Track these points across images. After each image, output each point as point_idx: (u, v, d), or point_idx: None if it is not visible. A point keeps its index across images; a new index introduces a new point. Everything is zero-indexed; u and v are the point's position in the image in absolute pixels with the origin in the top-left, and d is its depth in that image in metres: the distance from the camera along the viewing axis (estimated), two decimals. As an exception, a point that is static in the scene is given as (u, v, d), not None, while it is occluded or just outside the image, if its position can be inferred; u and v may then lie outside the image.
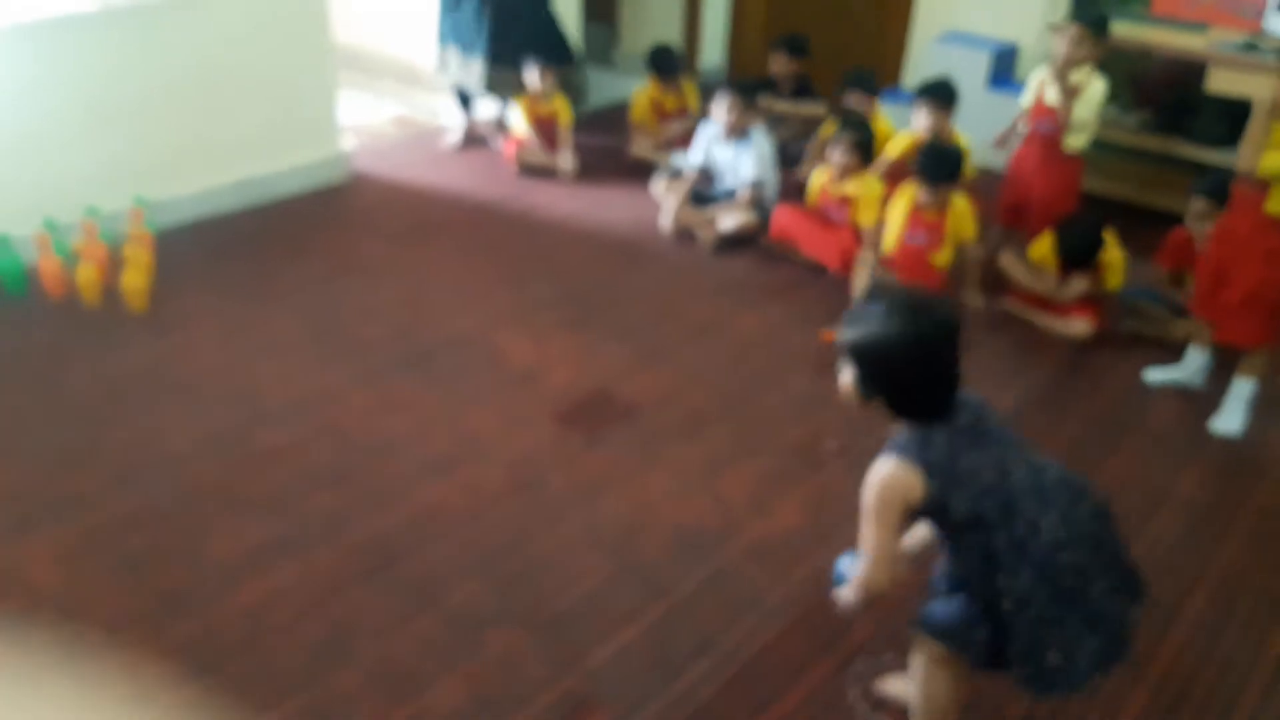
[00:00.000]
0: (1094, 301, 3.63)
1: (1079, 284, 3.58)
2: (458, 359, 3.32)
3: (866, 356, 1.68)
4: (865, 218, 3.96)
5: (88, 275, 3.46)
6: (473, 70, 4.93)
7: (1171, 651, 2.30)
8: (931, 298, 1.73)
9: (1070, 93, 3.73)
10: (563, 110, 4.87)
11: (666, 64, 5.00)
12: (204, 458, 2.79)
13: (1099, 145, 4.78)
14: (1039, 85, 3.85)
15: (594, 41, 6.25)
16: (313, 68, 4.45)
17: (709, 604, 2.37)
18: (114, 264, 3.59)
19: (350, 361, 3.27)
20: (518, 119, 4.87)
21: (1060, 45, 3.76)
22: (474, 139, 5.18)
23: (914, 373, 1.66)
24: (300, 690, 2.09)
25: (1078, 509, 1.67)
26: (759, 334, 3.58)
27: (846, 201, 4.03)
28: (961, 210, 3.73)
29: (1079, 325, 3.55)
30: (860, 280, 3.80)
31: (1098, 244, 3.57)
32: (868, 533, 1.68)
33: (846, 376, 1.72)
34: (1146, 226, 4.17)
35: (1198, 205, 3.40)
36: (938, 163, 3.65)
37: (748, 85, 4.32)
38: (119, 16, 3.73)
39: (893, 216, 3.82)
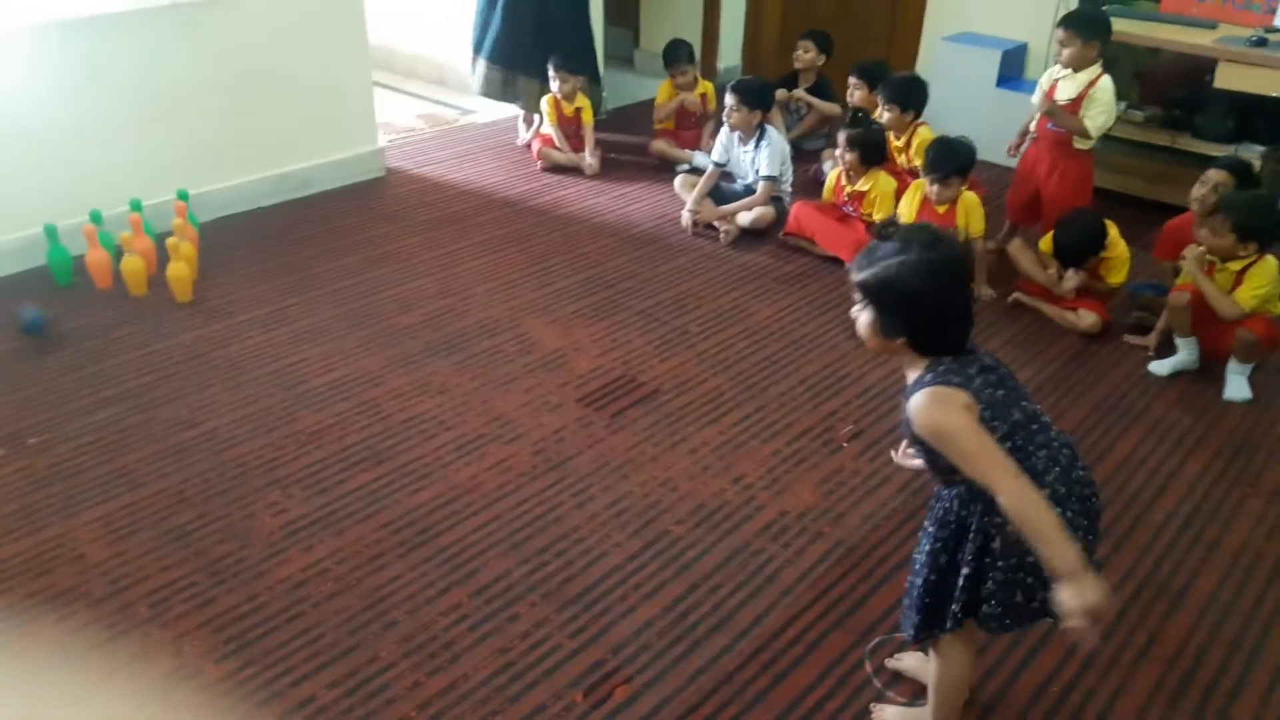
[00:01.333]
0: (1100, 295, 3.68)
1: (1073, 280, 3.65)
2: (488, 345, 3.43)
3: (888, 293, 1.66)
4: (880, 212, 4.05)
5: (134, 266, 3.60)
6: (515, 85, 5.16)
7: (1180, 632, 2.38)
8: (938, 232, 1.72)
9: (1076, 103, 3.77)
10: (586, 110, 4.97)
11: (671, 52, 5.10)
12: (248, 437, 2.91)
13: (1106, 140, 4.82)
14: (1050, 84, 3.90)
15: (615, 44, 6.34)
16: (350, 66, 4.57)
17: (729, 580, 2.47)
18: (159, 255, 3.72)
19: (386, 347, 3.39)
20: (543, 118, 4.99)
21: (1057, 49, 3.82)
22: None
23: (937, 303, 1.65)
24: (340, 660, 2.21)
25: (1079, 471, 1.75)
26: (776, 322, 3.67)
27: (860, 197, 4.11)
28: (970, 204, 3.80)
29: (1088, 319, 3.61)
30: None
31: (1093, 243, 3.60)
32: (967, 450, 1.61)
33: (865, 318, 1.71)
34: (1154, 221, 4.22)
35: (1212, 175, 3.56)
36: (947, 156, 3.72)
37: (758, 85, 4.39)
38: (165, 14, 3.87)
39: (903, 211, 3.90)
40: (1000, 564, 1.73)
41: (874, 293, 1.69)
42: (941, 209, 3.79)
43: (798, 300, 3.85)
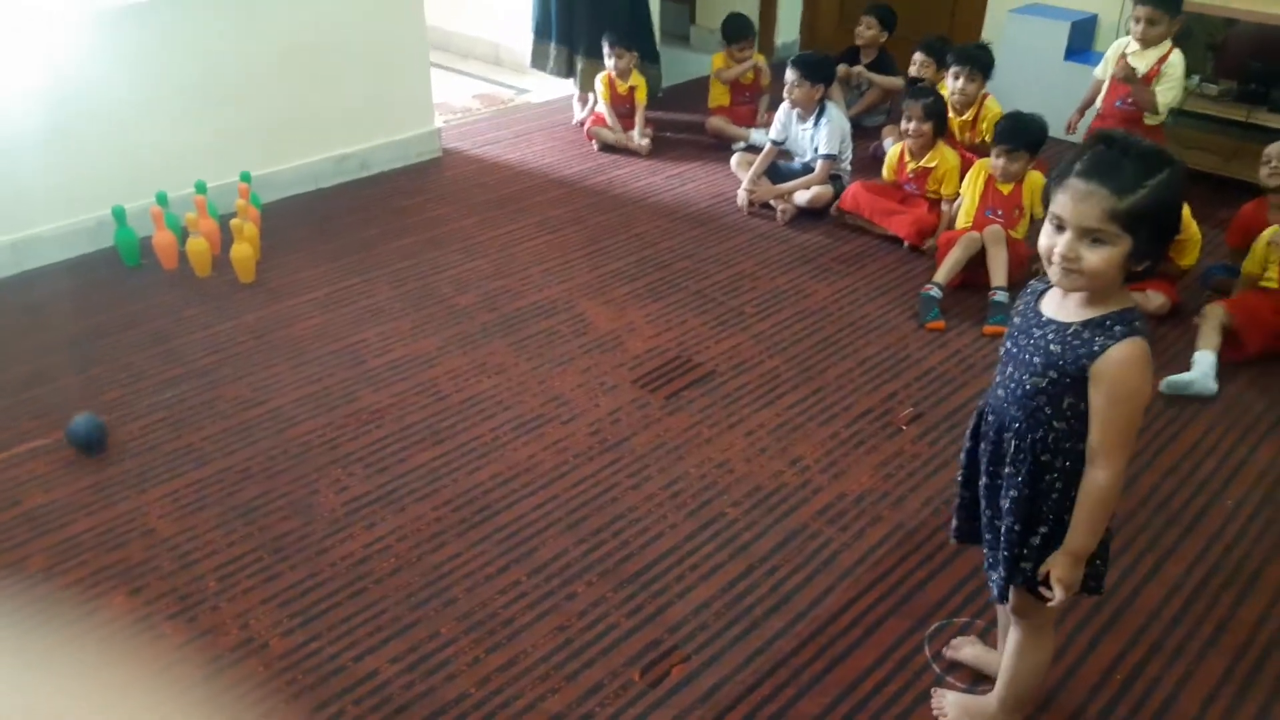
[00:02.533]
0: (1169, 277, 3.58)
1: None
2: (544, 326, 3.45)
3: (1166, 216, 1.50)
4: (948, 189, 3.98)
5: (199, 247, 3.67)
6: (564, 61, 5.18)
7: (1250, 620, 2.32)
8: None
9: (1145, 82, 3.68)
10: (640, 89, 4.94)
11: (734, 27, 5.04)
12: (310, 416, 2.96)
13: (1178, 115, 4.69)
14: (1117, 58, 3.80)
15: (671, 21, 6.30)
16: (409, 46, 4.60)
17: (786, 563, 2.46)
18: (223, 236, 3.79)
19: (445, 328, 3.43)
20: (596, 98, 4.97)
21: (1136, 27, 3.72)
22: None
23: (1180, 221, 1.54)
24: (401, 636, 2.24)
25: None
26: (834, 303, 3.64)
27: (925, 174, 4.04)
28: (1036, 184, 3.71)
29: (1156, 300, 3.51)
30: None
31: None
32: (1128, 421, 1.53)
33: (1106, 253, 1.49)
34: (1227, 199, 4.10)
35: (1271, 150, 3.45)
36: (1018, 130, 3.63)
37: (818, 59, 4.33)
38: (225, -2, 3.93)
39: (965, 191, 3.83)
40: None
41: (1147, 217, 1.47)
42: (1007, 188, 3.71)
43: (856, 281, 3.81)
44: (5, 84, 3.50)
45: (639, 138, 4.91)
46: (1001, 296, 3.55)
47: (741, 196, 4.36)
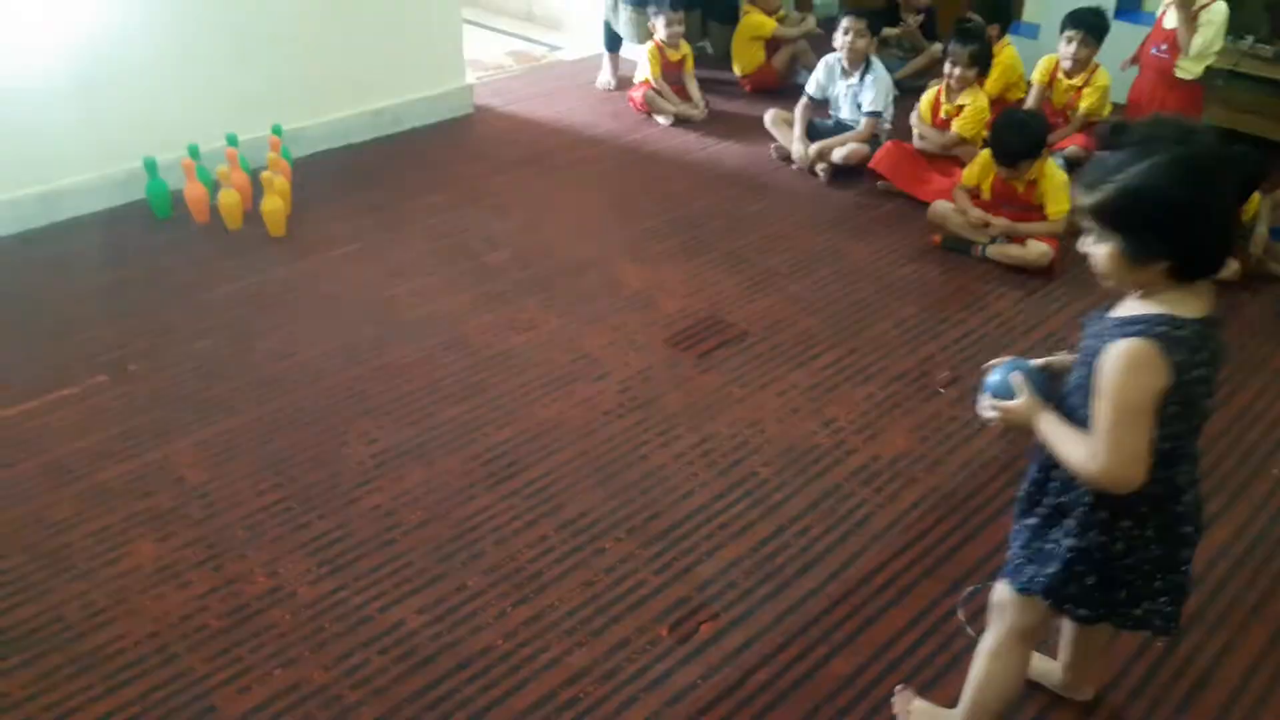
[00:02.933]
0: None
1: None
2: (575, 284, 3.41)
3: (1139, 206, 1.37)
4: (964, 126, 3.89)
5: (230, 201, 3.65)
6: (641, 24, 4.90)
7: (1293, 589, 2.26)
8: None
9: (1191, 19, 3.57)
10: (689, 58, 4.81)
11: None
12: (340, 369, 2.95)
13: (1232, 77, 4.55)
14: (1163, 10, 3.70)
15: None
16: (439, 2, 4.53)
17: (818, 524, 2.41)
18: (254, 190, 3.77)
19: (476, 284, 3.39)
20: (645, 68, 4.77)
21: None
22: (623, 79, 5.11)
23: (1202, 210, 1.36)
24: (429, 587, 2.23)
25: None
26: (869, 264, 3.56)
27: (957, 115, 3.94)
28: (1055, 183, 3.55)
29: (1230, 266, 3.40)
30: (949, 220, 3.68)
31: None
32: (1115, 432, 1.42)
33: (1104, 249, 1.43)
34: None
35: None
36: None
37: (872, 12, 4.24)
38: (257, -50, 3.88)
39: (974, 171, 3.71)
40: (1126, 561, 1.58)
41: (1118, 212, 1.39)
42: (1019, 186, 3.59)
43: (894, 241, 3.73)
44: (37, 34, 3.48)
45: (699, 106, 4.74)
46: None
47: (798, 149, 4.24)
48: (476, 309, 3.26)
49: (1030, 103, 4.30)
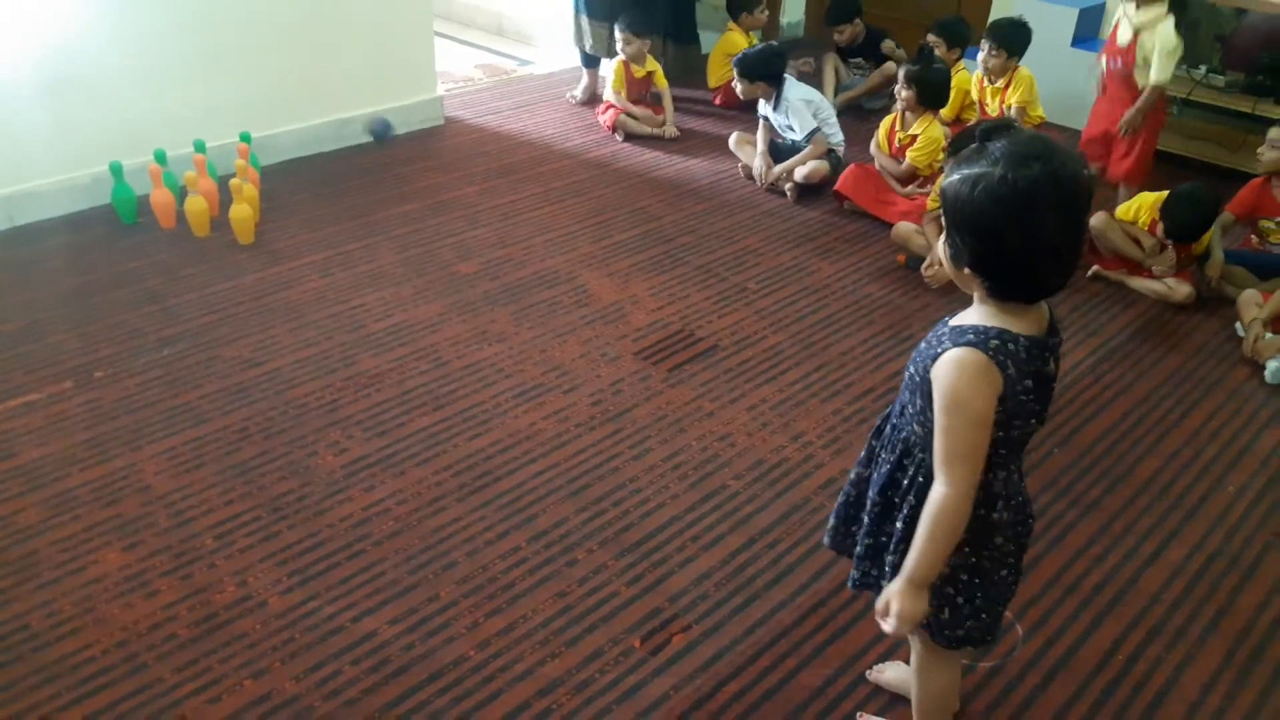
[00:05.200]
0: (1185, 266, 3.58)
1: (1171, 256, 3.52)
2: (546, 296, 3.42)
3: (958, 212, 1.37)
4: (918, 156, 3.94)
5: (197, 207, 3.62)
6: (605, 39, 4.93)
7: (1250, 606, 2.32)
8: (1050, 144, 1.36)
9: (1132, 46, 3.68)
10: (659, 73, 4.82)
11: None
12: (309, 378, 2.93)
13: (1185, 105, 4.68)
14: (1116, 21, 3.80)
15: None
16: (411, 11, 4.54)
17: (787, 536, 2.44)
18: (221, 197, 3.74)
19: (446, 295, 3.39)
20: (612, 89, 4.77)
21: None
22: (596, 96, 5.14)
23: (1014, 240, 1.33)
24: (400, 598, 2.22)
25: (1020, 498, 1.61)
26: (837, 281, 3.62)
27: (911, 143, 4.01)
28: None
29: (1183, 290, 3.49)
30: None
31: (1208, 220, 3.46)
32: (964, 434, 1.40)
33: (941, 239, 1.45)
34: (1233, 189, 4.09)
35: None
36: (1181, 215, 3.47)
37: (763, 55, 4.31)
38: (229, -45, 3.86)
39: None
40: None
41: (945, 205, 1.39)
42: None
43: (860, 260, 3.79)
44: (2, 35, 3.44)
45: (670, 127, 4.73)
46: None
47: (757, 165, 4.31)
48: (447, 319, 3.26)
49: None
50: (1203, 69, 4.65)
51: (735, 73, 4.36)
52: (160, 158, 3.72)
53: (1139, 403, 3.03)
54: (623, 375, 3.03)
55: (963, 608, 1.61)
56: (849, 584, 1.75)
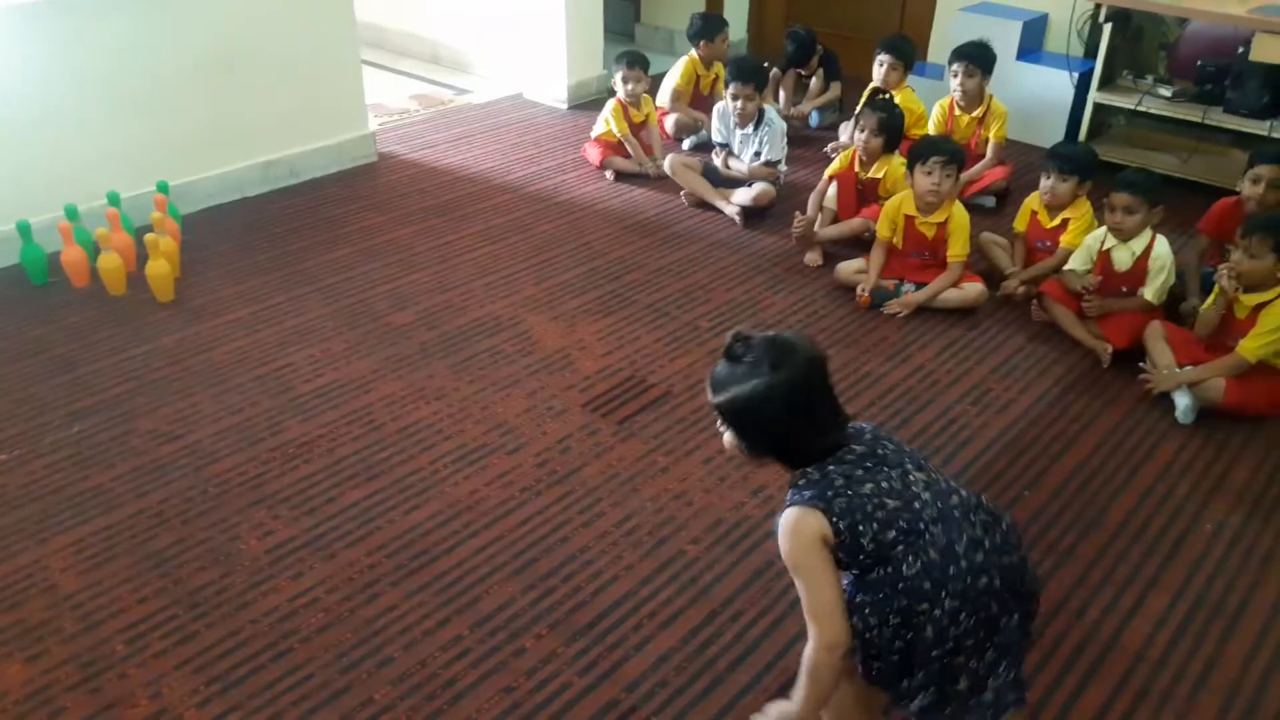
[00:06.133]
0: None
1: (1093, 279, 3.35)
2: (487, 345, 3.24)
3: (745, 420, 1.59)
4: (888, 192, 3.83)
5: (111, 264, 3.40)
6: None
7: (1239, 654, 2.20)
8: (789, 338, 1.61)
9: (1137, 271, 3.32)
10: (653, 114, 4.65)
11: (712, 23, 4.90)
12: (232, 451, 2.73)
13: (1133, 116, 4.62)
14: (1097, 250, 3.40)
15: (615, 16, 6.10)
16: (337, 46, 4.35)
17: (751, 606, 2.29)
18: (138, 252, 3.53)
19: (380, 348, 3.20)
20: (608, 126, 4.58)
21: (1109, 217, 3.32)
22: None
23: (795, 426, 1.58)
24: (330, 704, 2.03)
25: (991, 534, 1.62)
26: (792, 315, 3.48)
27: (875, 184, 3.89)
28: (960, 224, 3.50)
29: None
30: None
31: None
32: (807, 591, 1.57)
33: (729, 438, 1.64)
34: (1187, 201, 4.04)
35: (1262, 171, 3.32)
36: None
37: (757, 65, 4.24)
38: (136, -4, 3.65)
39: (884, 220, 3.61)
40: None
41: (730, 418, 1.61)
42: (930, 230, 3.55)
43: (814, 290, 3.65)
44: (-110, 88, 3.20)
45: (657, 165, 4.49)
46: (908, 286, 3.57)
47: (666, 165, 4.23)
48: (381, 376, 3.07)
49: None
50: (1150, 79, 4.59)
51: (748, 87, 4.11)
52: (71, 213, 3.49)
53: (1107, 435, 2.91)
54: (570, 430, 2.86)
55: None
56: None
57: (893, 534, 1.55)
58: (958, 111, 4.34)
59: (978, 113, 4.29)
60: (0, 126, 3.45)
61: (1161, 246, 3.28)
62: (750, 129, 4.24)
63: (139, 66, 3.73)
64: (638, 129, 4.62)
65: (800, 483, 1.59)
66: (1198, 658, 2.20)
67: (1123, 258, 3.31)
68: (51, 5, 3.44)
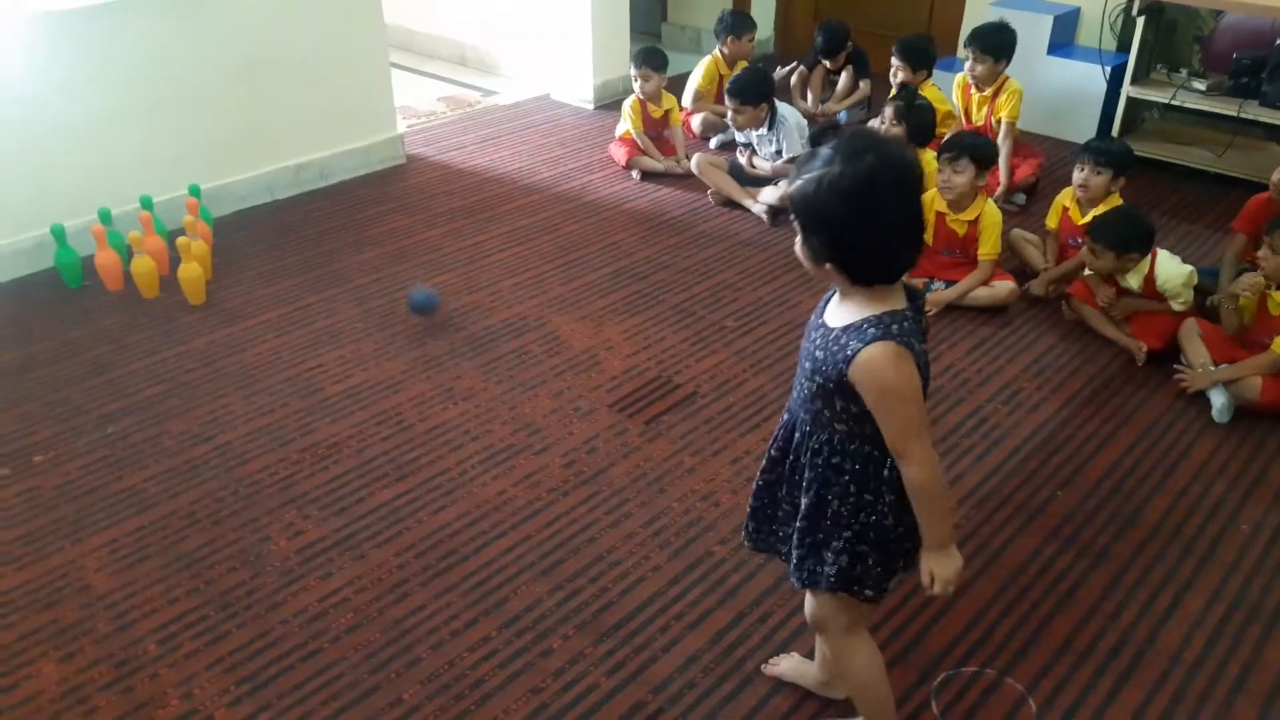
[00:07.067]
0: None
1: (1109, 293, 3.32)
2: (515, 345, 3.25)
3: (808, 212, 1.46)
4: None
5: (144, 268, 3.44)
6: None
7: (1277, 659, 2.16)
8: (876, 135, 1.50)
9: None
10: (674, 110, 4.64)
11: (739, 21, 4.88)
12: (263, 451, 2.75)
13: (1167, 110, 4.55)
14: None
15: (642, 15, 6.09)
16: (366, 49, 4.38)
17: (779, 608, 2.27)
18: (170, 255, 3.56)
19: (409, 349, 3.22)
20: (627, 123, 4.59)
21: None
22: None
23: (861, 228, 1.43)
24: (359, 704, 2.04)
25: None
26: (823, 316, 3.45)
27: None
28: (991, 222, 3.46)
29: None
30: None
31: (1142, 238, 3.22)
32: (906, 416, 1.49)
33: (798, 239, 1.51)
34: (1220, 197, 3.97)
35: None
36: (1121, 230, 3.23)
37: (757, 78, 4.22)
38: (172, 2, 3.68)
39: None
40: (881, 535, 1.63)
41: (796, 210, 1.48)
42: (962, 228, 3.52)
43: (842, 290, 3.62)
44: (-71, 96, 3.26)
45: (680, 161, 4.51)
46: (938, 284, 3.55)
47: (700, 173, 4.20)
48: (410, 377, 3.08)
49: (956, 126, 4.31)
50: (1184, 72, 4.52)
51: (735, 102, 4.16)
52: (105, 217, 3.54)
53: (1142, 434, 2.87)
54: (597, 431, 2.86)
55: (871, 560, 1.65)
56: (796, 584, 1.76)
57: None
58: (972, 91, 4.31)
59: (989, 91, 4.23)
60: (35, 132, 3.50)
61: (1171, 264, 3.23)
62: (765, 129, 4.23)
63: (171, 71, 3.77)
64: (659, 125, 4.61)
65: (898, 323, 1.47)
66: (1234, 660, 2.16)
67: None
68: (84, 12, 3.49)
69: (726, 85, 4.24)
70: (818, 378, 1.55)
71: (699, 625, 2.23)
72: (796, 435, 1.66)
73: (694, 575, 2.36)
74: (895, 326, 1.47)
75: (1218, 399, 2.93)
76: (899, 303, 1.51)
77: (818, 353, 1.55)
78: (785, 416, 1.72)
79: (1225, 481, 2.69)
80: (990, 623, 2.24)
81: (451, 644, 2.17)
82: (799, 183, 1.46)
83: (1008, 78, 4.22)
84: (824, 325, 1.56)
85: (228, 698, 2.05)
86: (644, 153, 4.57)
